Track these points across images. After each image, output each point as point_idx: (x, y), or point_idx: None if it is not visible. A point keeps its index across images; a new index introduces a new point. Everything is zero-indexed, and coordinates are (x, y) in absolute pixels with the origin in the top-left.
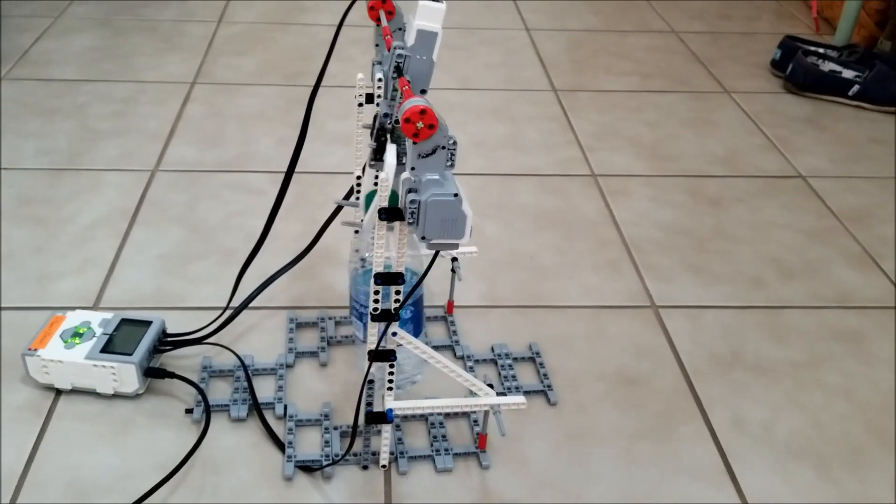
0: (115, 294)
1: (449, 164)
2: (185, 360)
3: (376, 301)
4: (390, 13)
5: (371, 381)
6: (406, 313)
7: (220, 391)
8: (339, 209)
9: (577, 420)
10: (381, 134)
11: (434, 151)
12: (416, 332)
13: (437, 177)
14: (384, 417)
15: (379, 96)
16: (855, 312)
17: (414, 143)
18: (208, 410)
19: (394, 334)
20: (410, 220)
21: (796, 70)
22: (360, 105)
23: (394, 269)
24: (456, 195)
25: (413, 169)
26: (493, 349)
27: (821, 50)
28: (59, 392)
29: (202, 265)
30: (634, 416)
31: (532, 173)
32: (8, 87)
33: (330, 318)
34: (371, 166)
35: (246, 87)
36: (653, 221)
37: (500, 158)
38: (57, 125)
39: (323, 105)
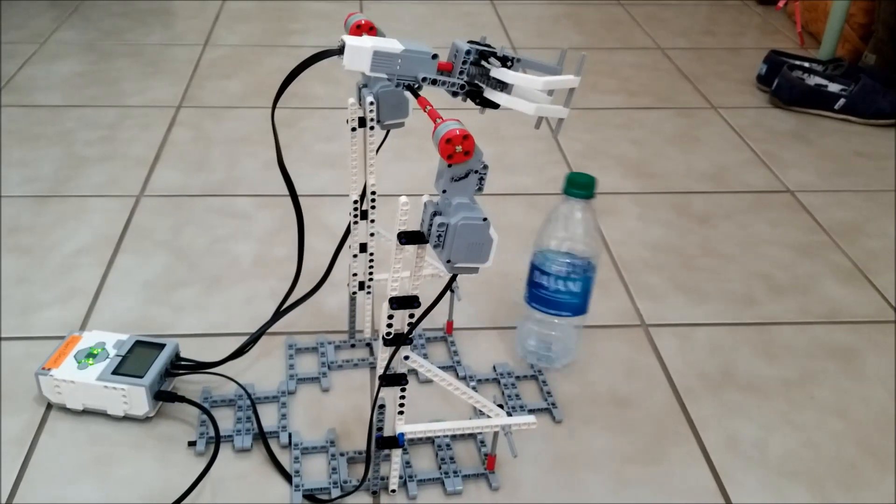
0: (99, 323)
1: (478, 188)
2: (193, 386)
3: (389, 325)
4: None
5: (381, 406)
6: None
7: (222, 421)
8: (346, 235)
9: (568, 443)
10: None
11: (467, 175)
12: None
13: (467, 200)
14: (395, 442)
15: (371, 119)
16: (846, 328)
17: (448, 165)
18: (218, 435)
19: (406, 358)
20: (436, 244)
21: (782, 85)
22: (354, 130)
23: (410, 293)
24: (485, 219)
25: (444, 192)
26: (494, 368)
27: (806, 64)
28: (47, 410)
29: (187, 292)
30: (626, 437)
31: (521, 192)
32: None
33: (329, 343)
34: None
35: (232, 110)
36: (641, 240)
37: (489, 179)
38: (42, 152)
39: (309, 126)
